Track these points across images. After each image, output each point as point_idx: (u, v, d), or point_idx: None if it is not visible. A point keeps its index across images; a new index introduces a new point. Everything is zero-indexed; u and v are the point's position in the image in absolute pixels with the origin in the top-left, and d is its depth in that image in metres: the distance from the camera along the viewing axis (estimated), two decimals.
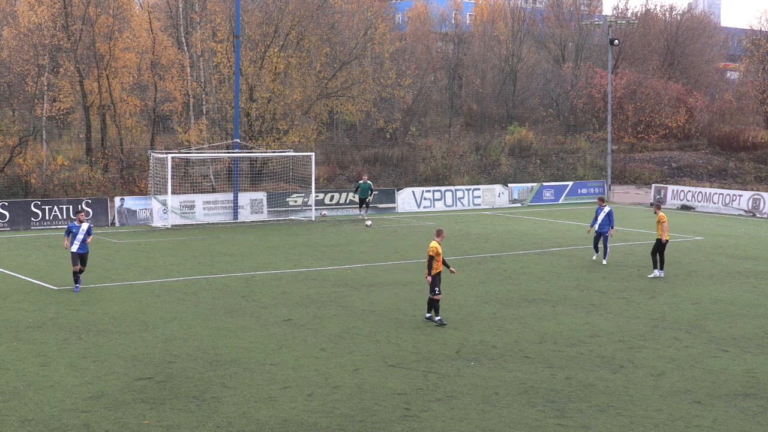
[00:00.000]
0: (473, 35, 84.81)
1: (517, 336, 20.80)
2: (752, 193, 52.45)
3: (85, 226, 25.85)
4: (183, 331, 21.09)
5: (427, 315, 22.17)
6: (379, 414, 15.41)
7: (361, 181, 45.54)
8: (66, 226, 26.82)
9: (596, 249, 32.17)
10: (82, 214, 26.36)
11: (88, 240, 25.95)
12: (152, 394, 16.29)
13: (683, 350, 19.97)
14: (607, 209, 31.80)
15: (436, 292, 21.63)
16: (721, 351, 19.94)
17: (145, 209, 43.08)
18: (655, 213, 29.46)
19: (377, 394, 16.44)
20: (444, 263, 22.01)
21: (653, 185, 57.53)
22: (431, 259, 21.52)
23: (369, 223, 43.08)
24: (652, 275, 29.06)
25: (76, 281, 25.86)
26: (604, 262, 31.54)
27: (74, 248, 25.62)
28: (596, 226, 31.75)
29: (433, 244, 21.68)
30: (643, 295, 26.26)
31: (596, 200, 34.81)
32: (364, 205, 45.25)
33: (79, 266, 25.71)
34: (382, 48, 63.08)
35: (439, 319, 21.84)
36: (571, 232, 41.03)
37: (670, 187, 55.94)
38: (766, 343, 20.68)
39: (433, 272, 21.58)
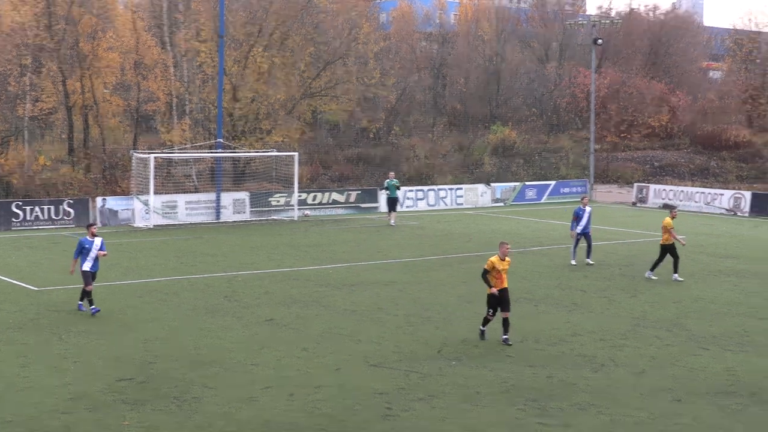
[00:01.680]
0: (457, 35, 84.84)
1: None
2: (733, 191, 52.71)
3: (98, 241, 23.08)
4: (164, 332, 21.06)
5: (481, 328, 20.72)
6: (360, 413, 15.42)
7: (387, 180, 44.86)
8: (78, 244, 23.28)
9: (575, 253, 31.68)
10: (95, 227, 23.69)
11: (102, 255, 23.16)
12: (133, 395, 16.25)
13: (664, 348, 20.05)
14: (589, 209, 31.70)
15: (489, 313, 20.27)
16: (702, 349, 20.02)
17: (127, 209, 42.94)
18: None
19: (359, 394, 16.44)
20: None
21: (635, 184, 57.72)
22: (485, 272, 20.16)
23: (393, 222, 43.25)
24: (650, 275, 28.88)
25: (91, 302, 22.86)
26: (591, 261, 31.41)
27: (87, 266, 22.86)
28: (579, 228, 31.44)
29: (491, 258, 20.20)
30: (624, 293, 26.34)
31: (580, 200, 33.98)
32: (393, 209, 43.69)
33: (92, 286, 22.96)
34: (366, 48, 63.04)
35: (505, 338, 20.18)
36: (554, 231, 41.10)
37: (652, 186, 56.12)
38: (746, 341, 20.79)
39: (489, 290, 20.20)
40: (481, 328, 20.66)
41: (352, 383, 17.10)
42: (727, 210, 50.70)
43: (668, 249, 28.43)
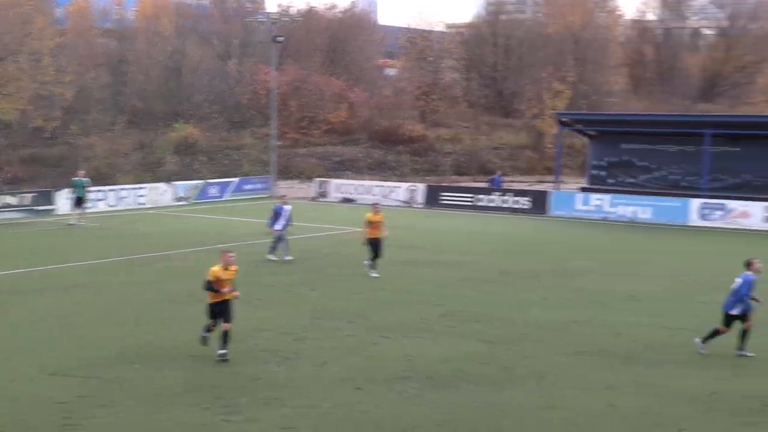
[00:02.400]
0: (137, 31, 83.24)
1: (184, 335, 20.58)
2: (409, 184, 55.10)
3: None
4: None
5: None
6: (37, 427, 14.76)
7: (75, 178, 43.28)
8: None
9: (287, 248, 31.83)
10: None
11: None
12: None
13: (345, 339, 20.60)
14: (289, 207, 32.09)
15: (212, 324, 18.90)
16: (381, 338, 20.74)
17: None
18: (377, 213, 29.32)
19: (35, 406, 15.73)
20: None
21: (316, 179, 58.96)
22: (209, 284, 18.77)
23: (73, 222, 42.33)
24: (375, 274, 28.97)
25: None
26: (275, 258, 31.73)
27: None
28: (279, 226, 31.66)
29: (213, 269, 18.85)
30: (307, 287, 26.82)
31: (279, 198, 34.12)
32: (78, 206, 43.07)
33: None
34: (41, 44, 60.63)
35: (222, 353, 18.63)
36: (236, 228, 41.25)
37: (333, 181, 57.57)
38: (422, 328, 21.73)
39: (212, 299, 18.88)
40: (203, 334, 19.12)
41: (27, 394, 16.35)
42: (403, 202, 52.80)
43: (373, 242, 29.12)
